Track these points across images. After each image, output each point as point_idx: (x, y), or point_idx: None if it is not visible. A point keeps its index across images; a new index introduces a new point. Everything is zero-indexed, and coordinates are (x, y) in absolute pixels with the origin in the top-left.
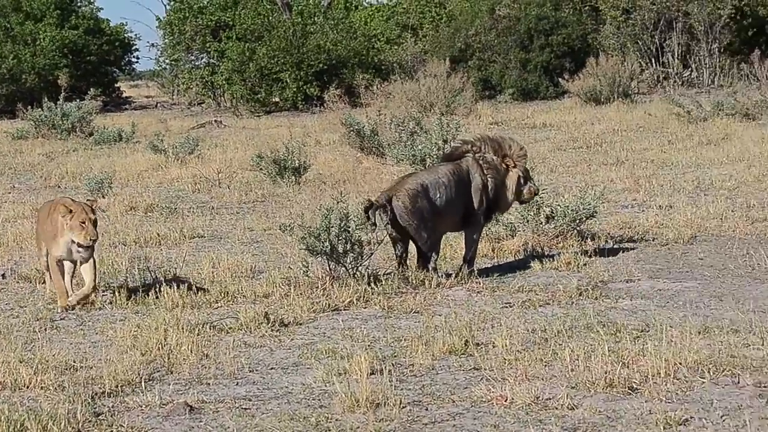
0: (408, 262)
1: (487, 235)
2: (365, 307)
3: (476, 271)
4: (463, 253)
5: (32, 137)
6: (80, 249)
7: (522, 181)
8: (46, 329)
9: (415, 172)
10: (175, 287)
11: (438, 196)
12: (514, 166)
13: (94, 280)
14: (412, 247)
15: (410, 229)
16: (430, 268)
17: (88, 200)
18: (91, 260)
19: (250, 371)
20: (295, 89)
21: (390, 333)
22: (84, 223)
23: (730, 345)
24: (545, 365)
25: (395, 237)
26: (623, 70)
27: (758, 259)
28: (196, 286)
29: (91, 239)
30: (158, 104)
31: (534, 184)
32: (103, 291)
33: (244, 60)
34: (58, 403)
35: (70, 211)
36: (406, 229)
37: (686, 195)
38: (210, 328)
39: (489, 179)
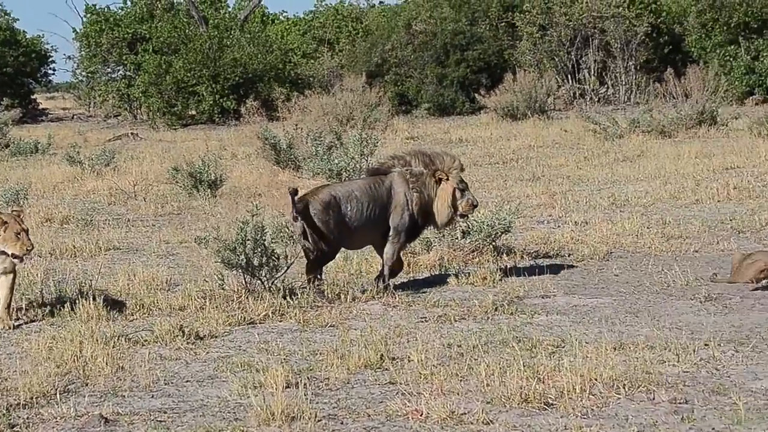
0: (322, 275)
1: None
2: (281, 321)
3: (392, 286)
4: (381, 267)
5: None
6: (13, 260)
7: (458, 194)
8: None
9: (330, 183)
10: (91, 299)
11: (349, 209)
12: (447, 179)
13: (11, 293)
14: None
15: (321, 235)
16: (308, 277)
17: (13, 210)
18: (12, 273)
19: (166, 384)
20: (211, 102)
21: (305, 346)
22: (19, 234)
23: (646, 361)
24: (461, 380)
25: (308, 247)
26: (540, 86)
27: (673, 276)
28: (111, 299)
29: (27, 250)
30: (74, 116)
31: (472, 197)
32: (19, 304)
33: (160, 73)
34: None
35: (4, 223)
36: (317, 236)
37: (602, 211)
38: (125, 341)
39: (414, 194)
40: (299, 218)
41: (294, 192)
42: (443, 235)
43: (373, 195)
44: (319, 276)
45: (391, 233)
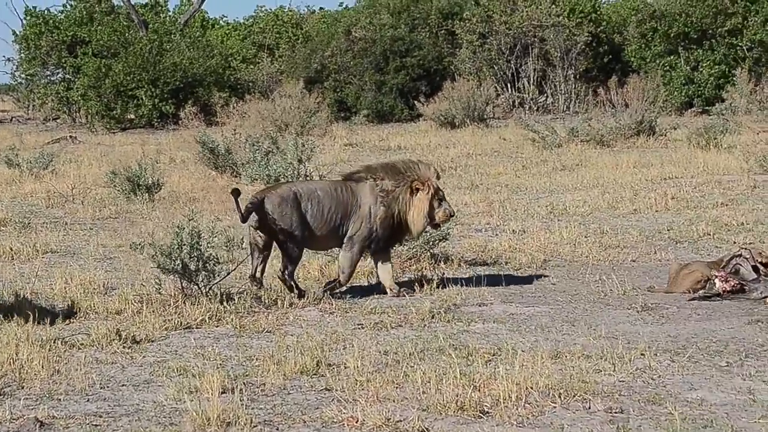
0: (263, 279)
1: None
2: (217, 326)
3: (330, 293)
4: (337, 274)
5: None
6: None
7: (435, 203)
8: None
9: (295, 181)
10: (28, 302)
11: (309, 207)
12: (424, 189)
13: None
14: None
15: (278, 231)
16: (287, 277)
17: None
18: None
19: (101, 388)
20: (150, 106)
21: (242, 352)
22: None
23: (582, 370)
24: (397, 387)
25: (257, 243)
26: (479, 94)
27: (610, 285)
28: (48, 302)
29: None
30: (13, 118)
31: (449, 207)
32: None
33: (99, 76)
34: None
35: None
36: (272, 233)
37: (540, 220)
38: (62, 344)
39: (380, 208)
40: (249, 217)
41: (236, 193)
42: None
43: (336, 198)
44: (259, 281)
45: (345, 241)
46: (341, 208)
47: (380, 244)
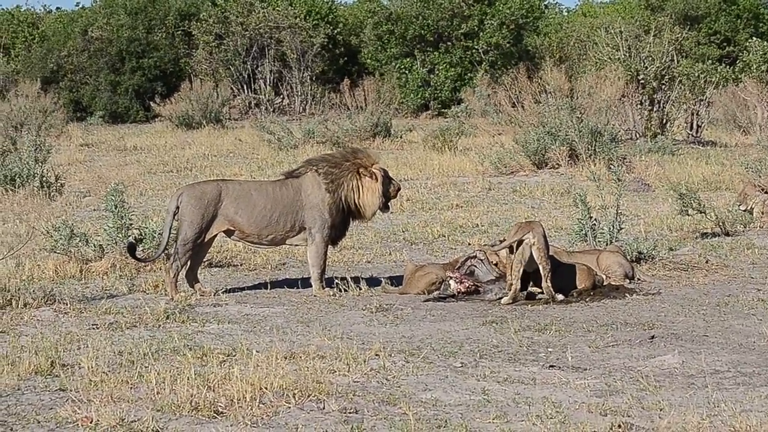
0: (199, 275)
1: (75, 256)
2: None
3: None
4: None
5: None
6: None
7: (386, 182)
8: None
9: (233, 180)
10: None
11: (236, 206)
12: (372, 173)
13: None
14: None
15: (181, 221)
16: (169, 271)
17: None
18: None
19: None
20: None
21: None
22: None
23: (317, 370)
24: (131, 387)
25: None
26: (215, 95)
27: (345, 286)
28: None
29: None
30: None
31: (396, 182)
32: None
33: None
34: None
35: None
36: (181, 222)
37: None
38: None
39: (326, 195)
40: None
41: (132, 248)
42: (116, 242)
43: (274, 198)
44: (193, 276)
45: (307, 236)
46: (280, 206)
47: (334, 232)
